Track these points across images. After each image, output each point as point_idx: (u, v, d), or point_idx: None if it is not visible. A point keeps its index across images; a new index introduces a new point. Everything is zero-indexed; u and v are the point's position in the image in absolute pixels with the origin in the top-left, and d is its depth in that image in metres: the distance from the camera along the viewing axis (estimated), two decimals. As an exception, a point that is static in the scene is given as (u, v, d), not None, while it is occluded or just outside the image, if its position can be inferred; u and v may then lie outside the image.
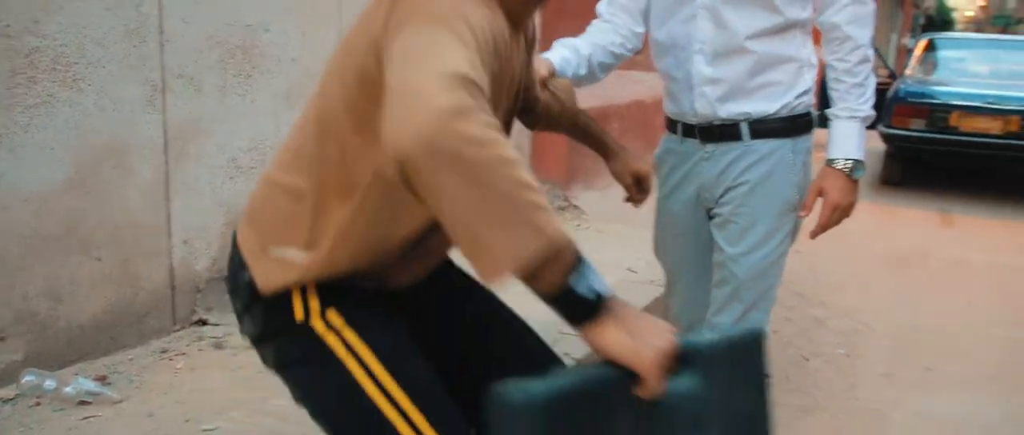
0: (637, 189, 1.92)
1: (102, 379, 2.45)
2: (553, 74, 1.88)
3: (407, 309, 1.36)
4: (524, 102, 1.48)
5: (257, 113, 3.10)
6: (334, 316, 1.24)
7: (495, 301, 1.48)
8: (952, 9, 46.75)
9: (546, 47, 2.04)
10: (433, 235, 1.23)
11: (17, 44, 2.31)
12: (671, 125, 2.12)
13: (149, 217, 2.75)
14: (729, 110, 1.96)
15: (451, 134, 0.88)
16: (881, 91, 6.84)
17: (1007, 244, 6.01)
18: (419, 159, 0.90)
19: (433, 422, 1.21)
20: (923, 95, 7.55)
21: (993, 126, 7.14)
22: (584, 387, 1.00)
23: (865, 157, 2.01)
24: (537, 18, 1.43)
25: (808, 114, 2.04)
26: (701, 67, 1.95)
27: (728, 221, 2.00)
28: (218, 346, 2.76)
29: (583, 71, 2.01)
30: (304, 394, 1.31)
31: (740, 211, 1.98)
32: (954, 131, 7.25)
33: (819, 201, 2.02)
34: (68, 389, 2.33)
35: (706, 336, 1.15)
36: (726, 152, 1.99)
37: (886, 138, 7.62)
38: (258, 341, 1.33)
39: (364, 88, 1.13)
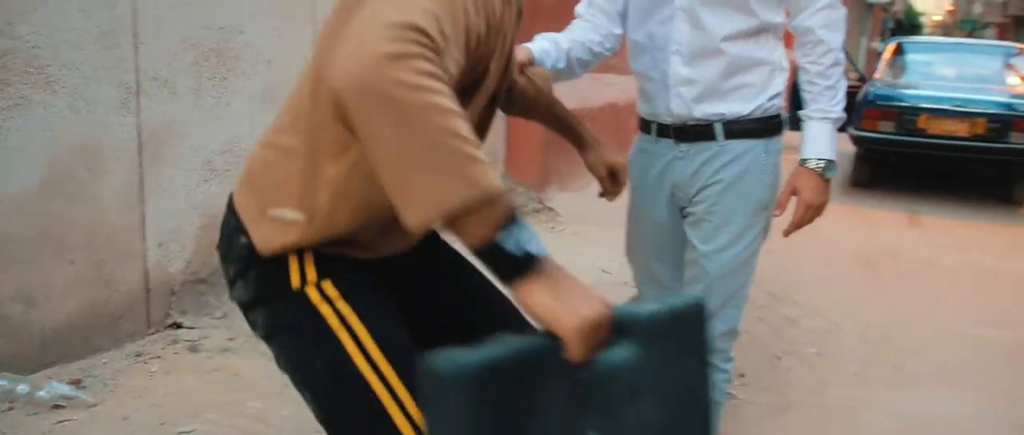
0: (611, 182, 1.94)
1: (76, 383, 2.44)
2: (532, 62, 1.91)
3: (396, 283, 1.37)
4: None
5: (232, 115, 3.09)
6: (329, 287, 1.24)
7: (484, 280, 1.48)
8: (920, 13, 47.41)
9: (525, 41, 2.06)
10: None
11: (-10, 46, 2.30)
12: (645, 126, 2.15)
13: (123, 220, 2.74)
14: (704, 110, 1.99)
15: (383, 78, 0.91)
16: (851, 94, 6.93)
17: (973, 244, 6.11)
18: (351, 99, 0.93)
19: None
20: (892, 98, 7.64)
21: (960, 128, 7.25)
22: (515, 356, 0.99)
23: (836, 158, 2.06)
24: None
25: (779, 116, 2.08)
26: (678, 67, 1.98)
27: (702, 219, 2.03)
28: (193, 349, 2.76)
29: (562, 65, 2.04)
30: (291, 362, 1.30)
31: (714, 209, 2.01)
32: (922, 133, 7.36)
33: (792, 200, 2.06)
34: (42, 393, 2.32)
35: (646, 307, 1.13)
36: (700, 152, 2.02)
37: (856, 140, 7.72)
38: (250, 306, 1.32)
39: None
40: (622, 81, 6.18)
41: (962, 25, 46.65)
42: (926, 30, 48.98)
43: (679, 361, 1.13)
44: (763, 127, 2.02)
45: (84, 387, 2.42)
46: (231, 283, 1.34)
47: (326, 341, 1.23)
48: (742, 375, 3.29)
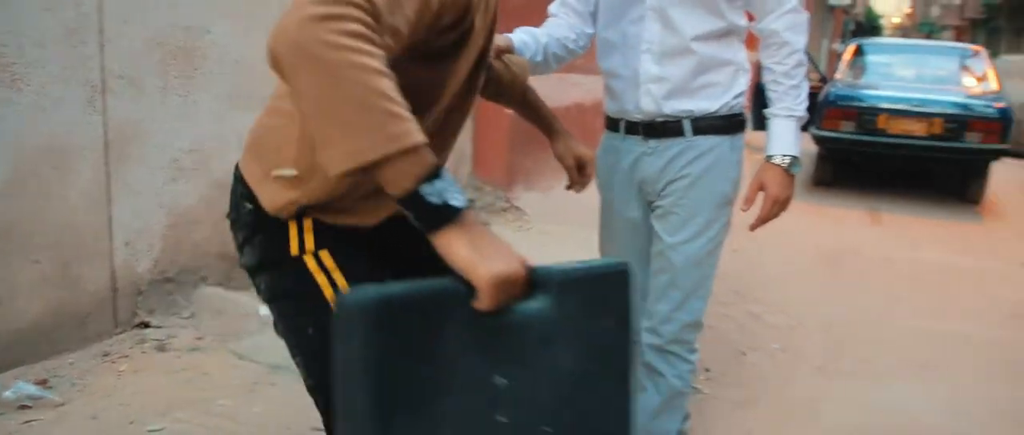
0: (578, 173, 1.99)
1: (42, 383, 2.42)
2: (511, 50, 1.96)
3: (392, 255, 1.40)
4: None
5: (199, 115, 3.08)
6: (326, 257, 1.29)
7: None
8: (880, 16, 48.11)
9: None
10: None
11: (-46, 44, 2.28)
12: (612, 124, 2.20)
13: (90, 219, 2.72)
14: (673, 107, 2.05)
15: (310, 38, 0.98)
16: (813, 95, 7.03)
17: (931, 241, 6.23)
18: (281, 58, 1.00)
19: None
20: (852, 98, 7.75)
21: (918, 128, 7.38)
22: (422, 296, 1.05)
23: (800, 155, 2.13)
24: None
25: (743, 114, 2.16)
26: (648, 66, 2.04)
27: (669, 212, 2.10)
28: (161, 348, 2.75)
29: (539, 58, 2.09)
30: (287, 327, 1.35)
31: (681, 203, 2.08)
32: (882, 133, 7.47)
33: (759, 196, 2.13)
34: (8, 393, 2.30)
35: (564, 265, 1.18)
36: (669, 147, 2.08)
37: (818, 140, 7.83)
38: (255, 271, 1.37)
39: None
40: (587, 81, 6.22)
41: (920, 27, 47.41)
42: (886, 32, 49.74)
43: (596, 318, 1.18)
44: (728, 124, 2.09)
45: (51, 387, 2.41)
46: (239, 248, 1.38)
47: (319, 309, 1.27)
48: (708, 370, 3.34)
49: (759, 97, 2.17)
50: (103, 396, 2.39)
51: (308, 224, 1.29)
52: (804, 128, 2.17)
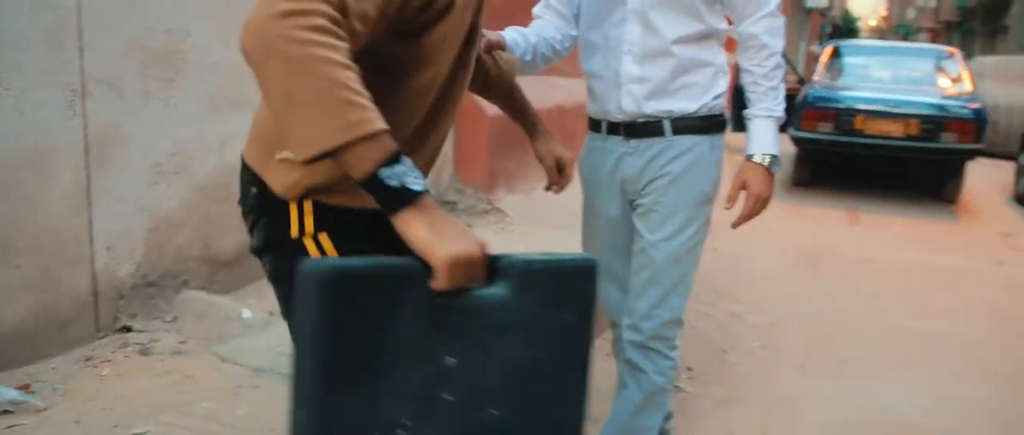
0: (557, 174, 2.05)
1: (25, 388, 2.41)
2: (503, 46, 2.00)
3: (391, 239, 1.42)
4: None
5: (180, 118, 3.07)
6: (325, 240, 1.33)
7: None
8: (856, 18, 48.51)
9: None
10: (417, 142, 1.36)
11: (-68, 47, 2.26)
12: (595, 125, 2.23)
13: (70, 223, 2.71)
14: (653, 107, 2.09)
15: (275, 34, 1.04)
16: (790, 97, 7.08)
17: (908, 240, 6.30)
18: (249, 52, 1.06)
19: None
20: (830, 100, 7.82)
21: (895, 129, 7.45)
22: (378, 270, 1.09)
23: (780, 154, 2.19)
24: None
25: (722, 115, 2.21)
26: (629, 67, 2.08)
27: (650, 210, 2.14)
28: (144, 352, 2.74)
29: (529, 57, 2.13)
30: (287, 309, 1.39)
31: (661, 201, 2.12)
32: (859, 134, 7.54)
33: (741, 195, 2.17)
34: (-11, 398, 2.28)
35: (527, 255, 1.21)
36: (649, 147, 2.12)
37: (796, 141, 7.89)
38: (261, 252, 1.41)
39: None
40: (568, 84, 6.25)
41: (896, 29, 47.85)
42: (862, 34, 50.14)
43: (557, 311, 1.20)
44: (708, 124, 2.14)
45: (33, 392, 2.39)
46: (249, 232, 1.42)
47: None
48: (690, 369, 3.36)
49: (738, 99, 2.21)
50: (86, 400, 2.38)
51: (308, 207, 1.33)
52: (782, 129, 2.21)
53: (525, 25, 2.21)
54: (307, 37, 1.04)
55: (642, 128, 2.11)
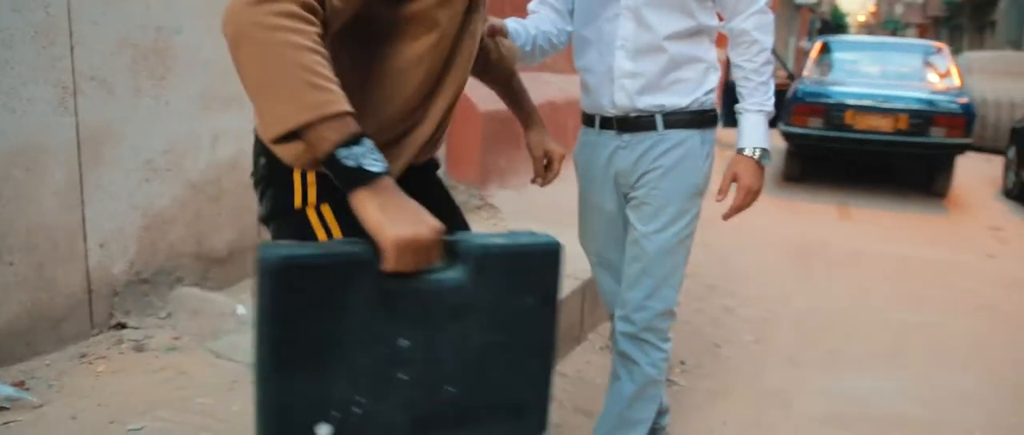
0: (545, 168, 2.09)
1: (20, 384, 2.41)
2: (505, 34, 2.02)
3: None
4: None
5: (172, 115, 3.07)
6: (327, 210, 1.36)
7: (460, 218, 1.64)
8: (845, 14, 48.65)
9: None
10: (415, 125, 1.40)
11: (-76, 45, 2.26)
12: (588, 120, 2.26)
13: (64, 221, 2.71)
14: (646, 102, 2.11)
15: (247, 20, 1.09)
16: (780, 92, 7.10)
17: (898, 234, 6.34)
18: (227, 38, 1.12)
19: None
20: (819, 95, 7.86)
21: (884, 124, 7.49)
22: (329, 256, 1.11)
23: (770, 147, 2.21)
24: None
25: (714, 110, 2.24)
26: (622, 62, 2.11)
27: (642, 202, 2.16)
28: (139, 349, 2.74)
29: (529, 48, 2.16)
30: None
31: (653, 193, 2.15)
32: (849, 129, 7.58)
33: (732, 187, 2.20)
34: (-16, 396, 2.28)
35: (487, 237, 1.22)
36: (642, 141, 2.14)
37: (787, 136, 7.93)
38: (267, 221, 1.45)
39: None
40: (559, 80, 6.26)
41: (885, 25, 48.08)
42: (851, 30, 50.32)
43: (517, 293, 1.20)
44: (699, 119, 2.16)
45: (28, 389, 2.39)
46: (259, 201, 1.46)
47: None
48: (683, 363, 3.38)
49: (729, 95, 2.24)
50: (81, 397, 2.38)
51: (312, 178, 1.35)
52: (772, 124, 2.24)
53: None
54: (276, 23, 1.09)
55: (635, 122, 2.14)
